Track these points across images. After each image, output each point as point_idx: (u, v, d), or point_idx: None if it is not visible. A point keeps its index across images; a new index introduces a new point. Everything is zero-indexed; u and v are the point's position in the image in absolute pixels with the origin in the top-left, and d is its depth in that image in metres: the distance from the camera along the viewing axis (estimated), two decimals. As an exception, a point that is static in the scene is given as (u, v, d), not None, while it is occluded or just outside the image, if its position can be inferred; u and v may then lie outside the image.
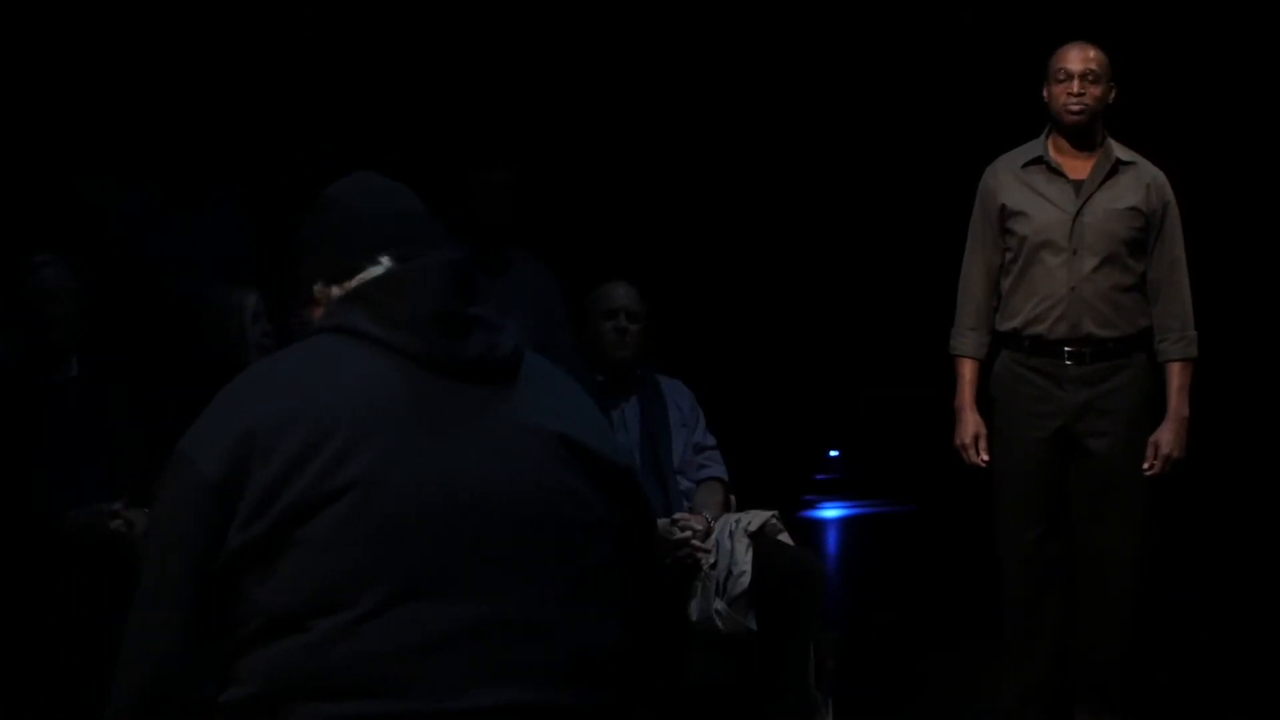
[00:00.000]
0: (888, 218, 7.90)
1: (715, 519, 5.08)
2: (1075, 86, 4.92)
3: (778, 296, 7.89)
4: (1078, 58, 4.94)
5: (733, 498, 5.31)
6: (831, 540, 8.81)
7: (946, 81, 7.66)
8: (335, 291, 2.23)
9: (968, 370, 5.05)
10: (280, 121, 6.76)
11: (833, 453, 9.24)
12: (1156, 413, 4.98)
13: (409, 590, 2.04)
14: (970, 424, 5.01)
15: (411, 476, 2.07)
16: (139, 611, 2.09)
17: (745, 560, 4.92)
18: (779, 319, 7.88)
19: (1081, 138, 4.98)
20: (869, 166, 7.89)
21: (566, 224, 7.01)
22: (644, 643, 2.24)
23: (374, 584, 2.03)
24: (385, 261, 2.22)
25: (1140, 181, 4.97)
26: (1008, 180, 5.01)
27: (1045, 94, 4.99)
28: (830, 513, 9.21)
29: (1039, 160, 5.00)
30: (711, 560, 4.95)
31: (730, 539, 4.97)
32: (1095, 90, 4.93)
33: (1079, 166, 4.98)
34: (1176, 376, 4.98)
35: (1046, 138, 5.02)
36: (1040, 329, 4.93)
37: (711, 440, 5.34)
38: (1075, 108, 4.92)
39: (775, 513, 5.14)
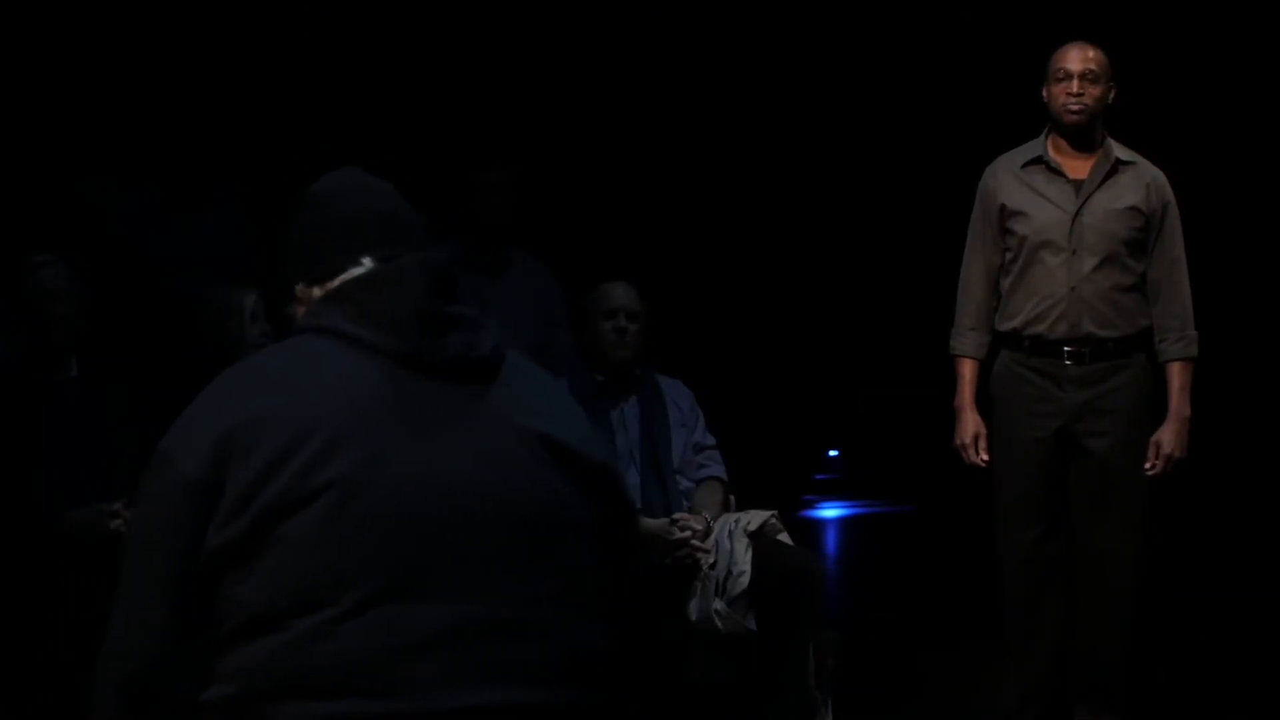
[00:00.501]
0: (887, 218, 7.90)
1: (715, 519, 5.08)
2: (1075, 86, 4.92)
3: (777, 296, 7.89)
4: (1077, 58, 4.94)
5: (732, 497, 5.31)
6: (831, 540, 8.81)
7: (946, 81, 7.66)
8: (316, 292, 2.24)
9: (967, 370, 5.05)
10: (280, 121, 6.75)
11: (832, 453, 9.24)
12: (1156, 413, 4.98)
13: (390, 590, 2.03)
14: (970, 424, 5.01)
15: (392, 476, 2.07)
16: (120, 610, 2.10)
17: (745, 560, 4.92)
18: (779, 319, 7.88)
19: (1081, 138, 4.97)
20: (869, 166, 7.89)
21: (566, 224, 7.01)
22: (629, 642, 2.23)
23: (354, 584, 2.03)
24: (367, 262, 2.23)
25: (1140, 181, 4.97)
26: (1007, 180, 5.01)
27: (1045, 94, 4.99)
28: (830, 513, 9.21)
29: (1039, 160, 5.00)
30: (711, 560, 4.95)
31: (730, 539, 4.97)
32: (1095, 90, 4.93)
33: (1079, 166, 4.98)
34: (1177, 376, 4.98)
35: (1046, 138, 5.02)
36: (1040, 329, 4.93)
37: (711, 440, 5.34)
38: (1075, 107, 4.92)
39: (775, 512, 5.14)
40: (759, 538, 5.01)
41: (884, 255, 7.95)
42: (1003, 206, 4.99)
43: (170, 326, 4.95)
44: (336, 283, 2.22)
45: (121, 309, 5.45)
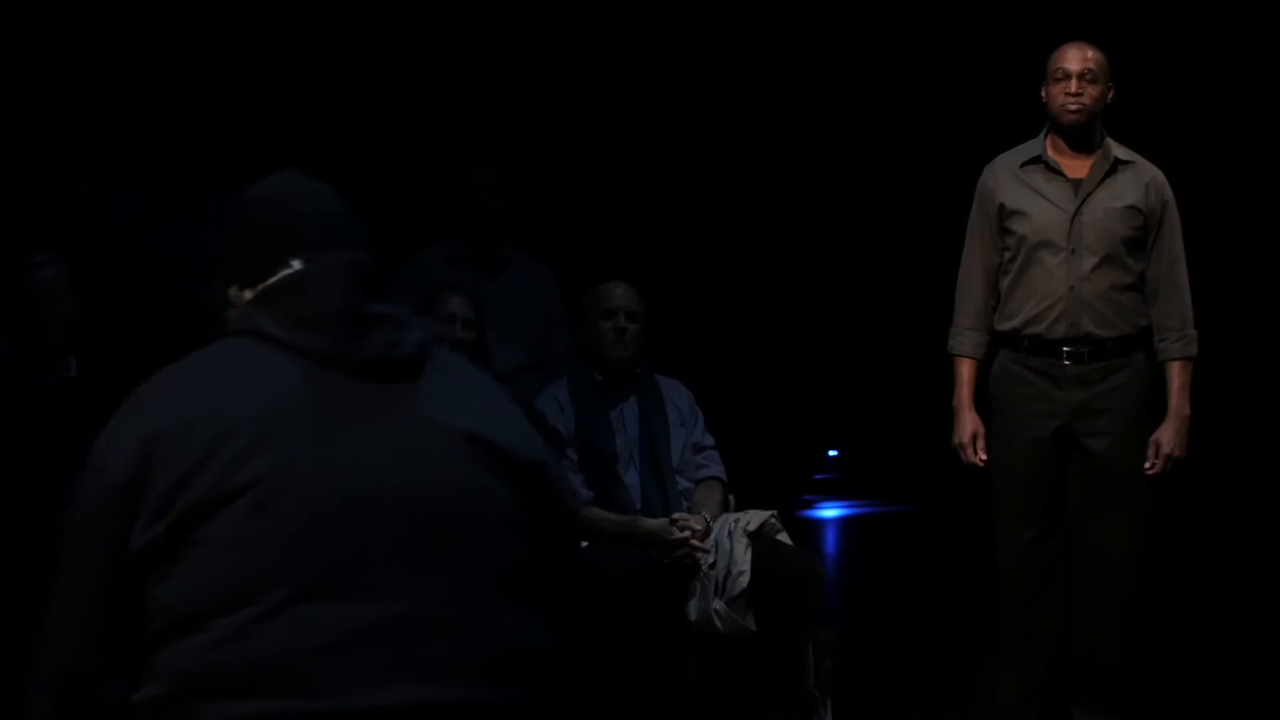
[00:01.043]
0: (887, 217, 7.90)
1: (714, 519, 5.08)
2: (1073, 86, 4.91)
3: (777, 296, 7.89)
4: (1076, 58, 4.94)
5: (731, 497, 5.31)
6: (830, 540, 8.81)
7: (946, 81, 7.66)
8: (248, 294, 2.26)
9: (965, 370, 5.05)
10: (275, 122, 6.75)
11: (832, 453, 9.24)
12: (1155, 412, 4.98)
13: (311, 589, 2.04)
14: (968, 423, 5.01)
15: (312, 476, 2.07)
16: (51, 614, 2.11)
17: (744, 560, 4.92)
18: (778, 319, 7.88)
19: (1080, 138, 4.97)
20: (868, 166, 7.88)
21: (565, 224, 7.01)
22: (566, 639, 2.22)
23: (274, 583, 2.03)
24: (296, 264, 2.24)
25: (1139, 181, 4.97)
26: (1006, 180, 5.01)
27: (1044, 94, 4.99)
28: (829, 513, 9.21)
29: (1038, 160, 4.99)
30: (710, 560, 4.95)
31: (729, 539, 4.96)
32: (1093, 90, 4.93)
33: (1077, 166, 4.97)
34: (1177, 375, 4.97)
35: (1045, 137, 5.02)
36: (1039, 329, 4.92)
37: (710, 440, 5.34)
38: (1073, 107, 4.92)
39: (774, 512, 5.14)
40: (758, 538, 5.01)
41: (883, 255, 7.95)
42: (1001, 206, 4.98)
43: (167, 326, 4.94)
44: (265, 285, 2.24)
45: (118, 309, 5.45)
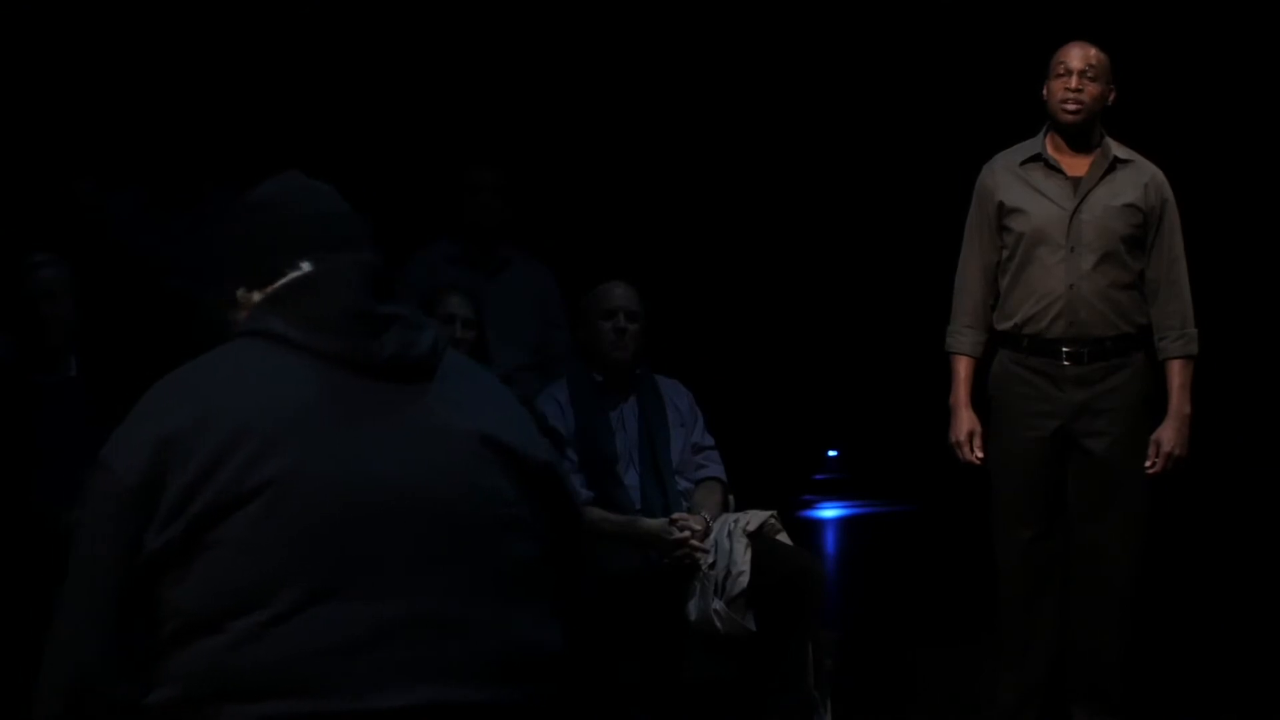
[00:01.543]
0: (886, 217, 7.90)
1: (714, 519, 5.08)
2: (1074, 82, 4.91)
3: (777, 296, 7.89)
4: (1078, 55, 4.94)
5: (731, 498, 5.31)
6: (830, 540, 8.81)
7: (946, 81, 7.66)
8: (256, 296, 2.26)
9: (963, 368, 5.05)
10: (274, 122, 6.75)
11: (831, 453, 9.24)
12: (1155, 411, 4.97)
13: (326, 590, 2.04)
14: (965, 422, 5.01)
15: (327, 477, 2.07)
16: (62, 615, 2.11)
17: (744, 560, 4.91)
18: (778, 319, 7.87)
19: (1079, 136, 4.97)
20: (867, 165, 7.88)
21: (565, 224, 7.01)
22: (575, 639, 2.23)
23: (289, 584, 2.03)
24: (305, 265, 2.24)
25: (1139, 179, 4.97)
26: (1005, 177, 5.01)
27: (1044, 91, 4.99)
28: (829, 513, 9.21)
29: (1037, 158, 4.99)
30: (710, 560, 4.94)
31: (729, 539, 4.96)
32: (1093, 88, 4.93)
33: (1077, 164, 4.97)
34: (1177, 374, 4.97)
35: (1044, 135, 5.01)
36: (1038, 328, 4.92)
37: (710, 440, 5.34)
38: (1072, 105, 4.92)
39: (774, 513, 5.13)
40: (758, 538, 5.01)
41: (883, 254, 7.94)
42: (1000, 204, 4.98)
43: (167, 326, 4.95)
44: (275, 286, 2.24)
45: (118, 309, 5.45)
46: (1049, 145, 5.00)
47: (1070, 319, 4.89)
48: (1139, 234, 4.94)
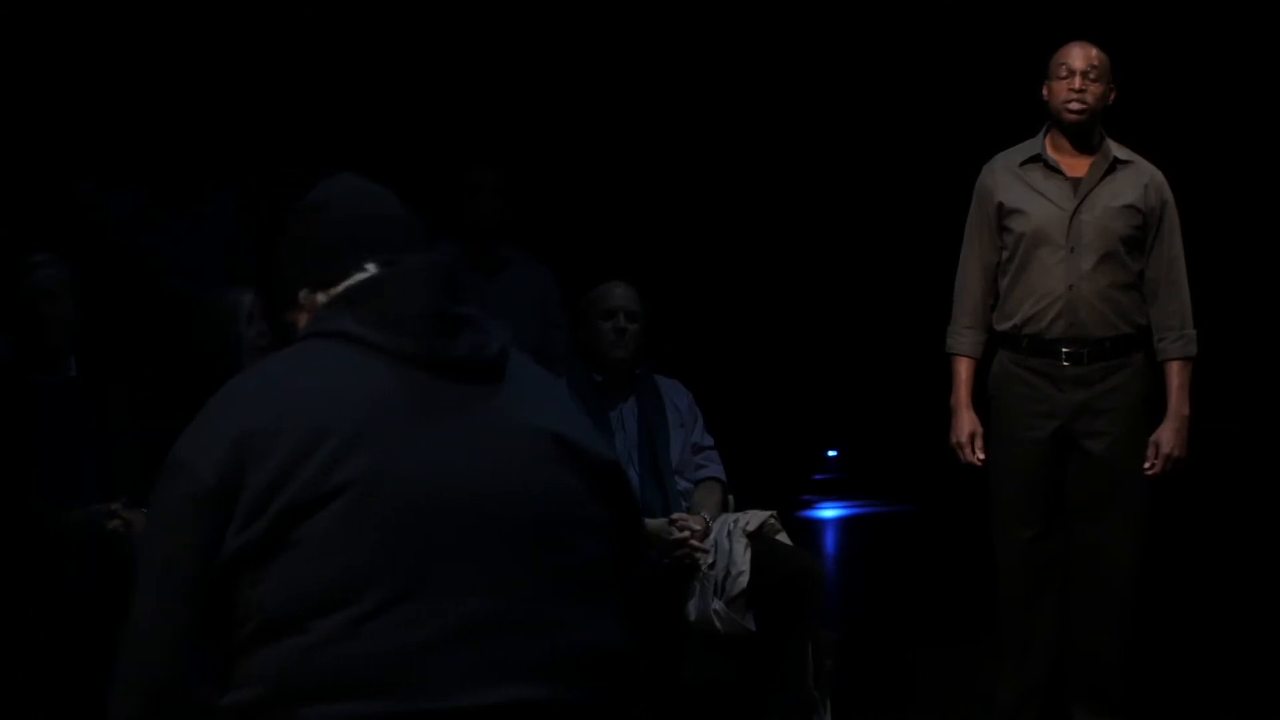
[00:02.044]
0: (886, 217, 7.90)
1: (713, 519, 5.08)
2: (1077, 83, 4.91)
3: (776, 296, 7.89)
4: (1080, 56, 4.93)
5: (731, 498, 5.30)
6: (830, 540, 8.81)
7: (946, 81, 7.66)
8: (321, 297, 2.25)
9: (963, 369, 5.05)
10: (273, 122, 6.75)
11: (831, 453, 9.24)
12: (1154, 412, 4.97)
13: (408, 589, 2.04)
14: (966, 422, 5.01)
15: (407, 475, 2.07)
16: (137, 616, 2.09)
17: (743, 560, 4.91)
18: (777, 319, 7.88)
19: (1080, 136, 4.97)
20: (867, 166, 7.88)
21: (564, 224, 7.01)
22: (640, 639, 2.24)
23: (372, 584, 2.03)
24: (371, 267, 2.24)
25: (1138, 180, 4.96)
26: (1005, 178, 5.01)
27: (1045, 91, 4.98)
28: (828, 513, 9.20)
29: (1037, 158, 4.99)
30: (710, 560, 4.94)
31: (728, 539, 4.96)
32: (1096, 89, 4.93)
33: (1077, 165, 4.97)
34: (1176, 375, 4.97)
35: (1044, 136, 5.01)
36: (1037, 328, 4.92)
37: (709, 440, 5.34)
38: (1075, 106, 4.92)
39: (773, 513, 5.14)
40: (758, 538, 5.01)
41: (883, 254, 7.95)
42: (1000, 204, 4.98)
43: (166, 326, 4.95)
44: (342, 287, 2.23)
45: (118, 309, 5.45)
46: (1049, 146, 4.99)
47: (1070, 319, 4.89)
48: (1139, 235, 4.94)
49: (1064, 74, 4.93)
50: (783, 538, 5.13)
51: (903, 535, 8.31)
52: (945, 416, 5.05)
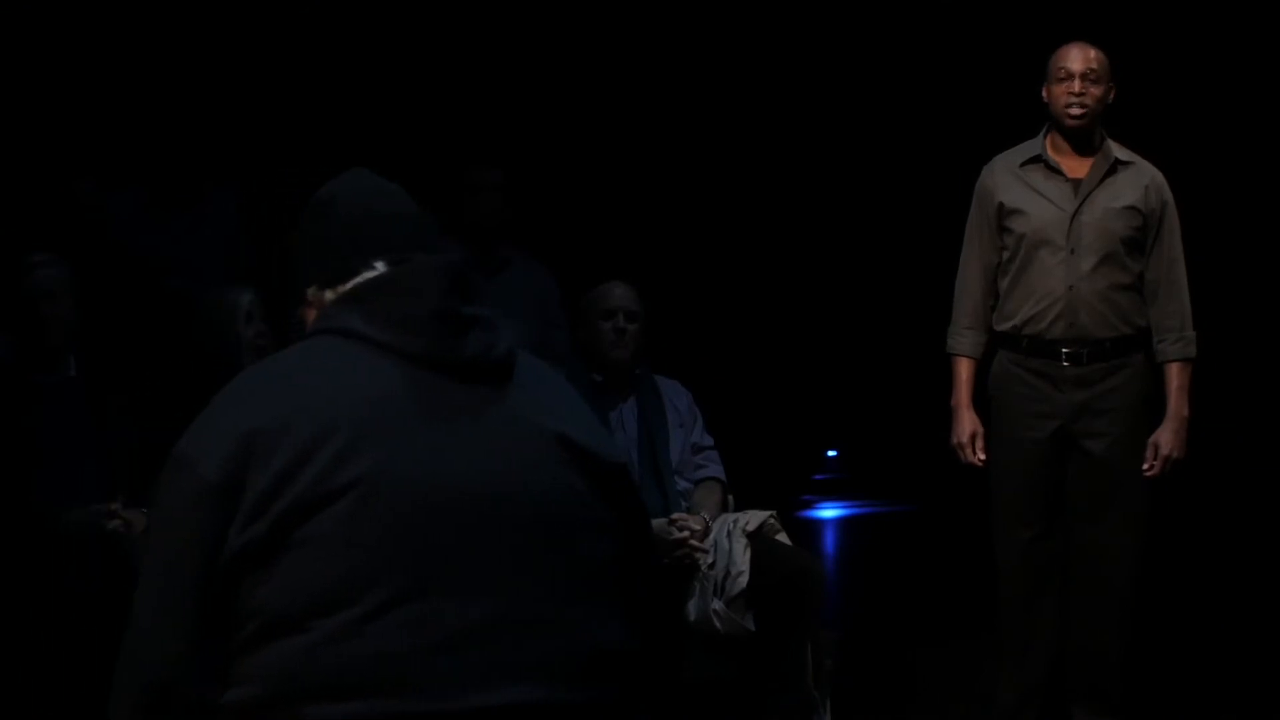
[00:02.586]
0: (887, 217, 7.90)
1: (713, 519, 5.08)
2: (1076, 86, 4.91)
3: (776, 296, 7.89)
4: (1079, 57, 4.93)
5: (730, 498, 5.31)
6: (829, 540, 8.81)
7: (946, 81, 7.66)
8: (329, 295, 2.25)
9: (964, 369, 5.05)
10: (274, 121, 6.75)
11: (831, 453, 9.24)
12: (1154, 413, 4.97)
13: (412, 590, 2.04)
14: (967, 423, 5.01)
15: (413, 475, 2.07)
16: (140, 613, 2.09)
17: (743, 560, 4.92)
18: (777, 319, 7.87)
19: (1081, 138, 4.97)
20: (867, 166, 7.88)
21: (564, 224, 7.01)
22: (646, 640, 2.24)
23: (375, 584, 2.03)
24: (380, 265, 2.23)
25: (1139, 181, 4.96)
26: (1005, 179, 5.01)
27: (1045, 94, 4.98)
28: (828, 513, 9.20)
29: (1037, 159, 4.99)
30: (709, 560, 4.95)
31: (728, 539, 4.96)
32: (1095, 90, 4.92)
33: (1077, 166, 4.97)
34: (1175, 376, 4.97)
35: (1045, 137, 5.01)
36: (1037, 329, 4.92)
37: (709, 440, 5.34)
38: (1076, 110, 4.91)
39: (773, 513, 5.14)
40: (757, 538, 5.01)
41: (883, 254, 7.95)
42: (1000, 205, 4.98)
43: (166, 326, 4.95)
44: (350, 285, 2.22)
45: (118, 309, 5.45)
46: (1049, 146, 4.99)
47: (1070, 320, 4.89)
48: (1139, 236, 4.94)
49: (1062, 76, 4.93)
50: (782, 538, 5.13)
51: (903, 535, 8.31)
52: (945, 417, 5.05)
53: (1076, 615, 4.99)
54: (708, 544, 4.98)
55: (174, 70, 6.49)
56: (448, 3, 7.20)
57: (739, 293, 7.75)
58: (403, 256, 2.22)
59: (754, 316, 7.79)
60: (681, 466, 5.26)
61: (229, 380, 2.21)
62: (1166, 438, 4.93)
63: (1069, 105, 4.92)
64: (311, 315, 2.26)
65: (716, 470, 5.30)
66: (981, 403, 5.06)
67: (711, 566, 4.94)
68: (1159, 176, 5.00)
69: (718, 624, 4.89)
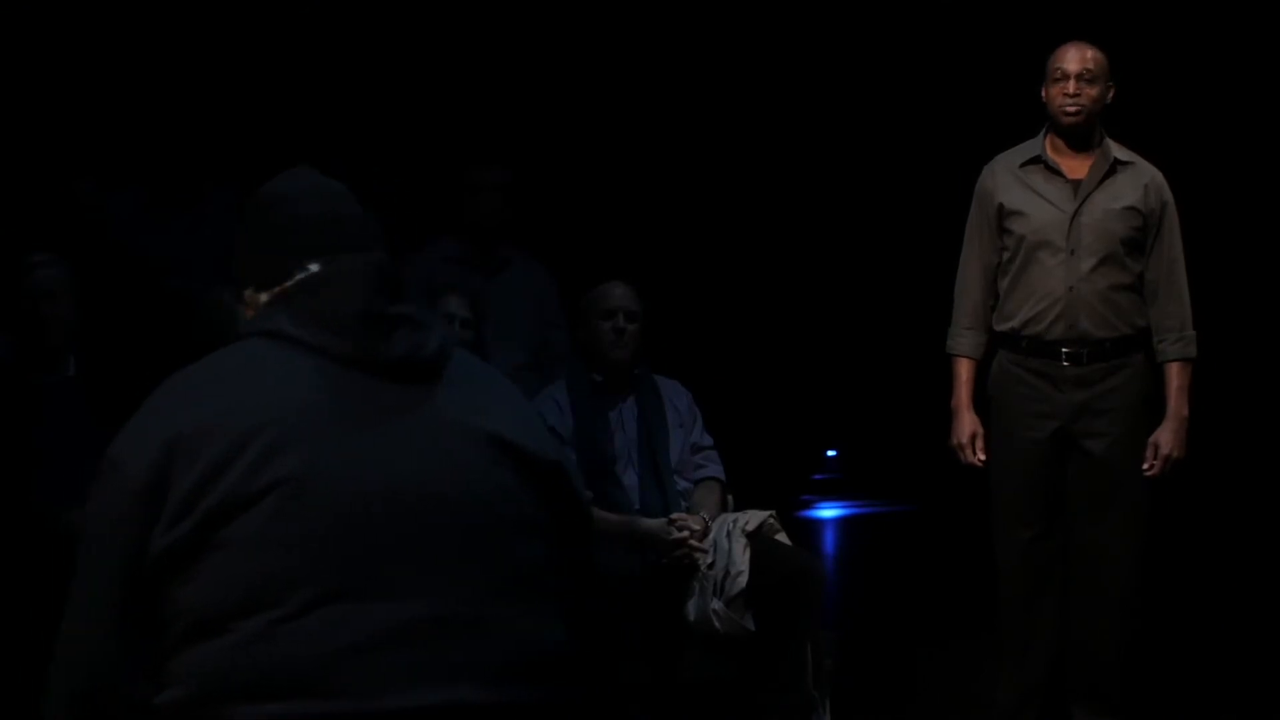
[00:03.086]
0: (886, 217, 7.90)
1: (713, 519, 5.08)
2: (1071, 87, 4.91)
3: (776, 296, 7.89)
4: (1075, 58, 4.93)
5: (730, 497, 5.30)
6: (829, 540, 8.81)
7: (946, 81, 7.65)
8: (263, 296, 2.25)
9: (964, 370, 5.05)
10: (274, 122, 6.75)
11: (830, 453, 9.24)
12: (1154, 413, 4.98)
13: (335, 591, 2.04)
14: (966, 423, 5.01)
15: (335, 477, 2.07)
16: (69, 616, 2.11)
17: (743, 560, 4.91)
18: (777, 319, 7.87)
19: (1079, 138, 4.97)
20: (867, 166, 7.88)
21: (564, 224, 7.01)
22: (586, 639, 2.23)
23: (299, 585, 2.03)
24: (313, 267, 2.23)
25: (1138, 181, 4.97)
26: (1005, 179, 5.01)
27: (1043, 94, 4.99)
28: (828, 513, 9.20)
29: (1037, 160, 4.99)
30: (709, 560, 4.94)
31: (728, 539, 4.96)
32: (1092, 91, 4.93)
33: (1077, 166, 4.97)
34: (1175, 377, 4.97)
35: (1044, 137, 5.01)
36: (1037, 329, 4.92)
37: (709, 440, 5.33)
38: (1072, 109, 4.92)
39: (773, 512, 5.13)
40: (757, 538, 5.00)
41: (883, 255, 7.94)
42: (1000, 206, 4.98)
43: (166, 325, 4.95)
44: (283, 287, 2.23)
45: (118, 309, 5.45)
46: (1049, 147, 5.00)
47: (1070, 321, 4.89)
48: (1139, 236, 4.94)
49: (1059, 77, 4.93)
50: (782, 538, 5.13)
51: (903, 535, 8.31)
52: (945, 417, 5.05)
53: (1076, 615, 4.99)
54: (707, 544, 4.98)
55: (174, 70, 6.49)
56: (449, 3, 7.20)
57: (739, 293, 7.75)
58: (335, 257, 2.22)
59: (753, 316, 7.79)
60: (681, 466, 5.26)
61: (168, 378, 2.21)
62: (1166, 437, 4.93)
63: (1064, 105, 4.92)
64: (250, 316, 2.26)
65: (716, 470, 5.30)
66: (981, 403, 5.07)
67: (711, 566, 4.94)
68: (1159, 176, 5.00)
69: (717, 624, 4.89)
